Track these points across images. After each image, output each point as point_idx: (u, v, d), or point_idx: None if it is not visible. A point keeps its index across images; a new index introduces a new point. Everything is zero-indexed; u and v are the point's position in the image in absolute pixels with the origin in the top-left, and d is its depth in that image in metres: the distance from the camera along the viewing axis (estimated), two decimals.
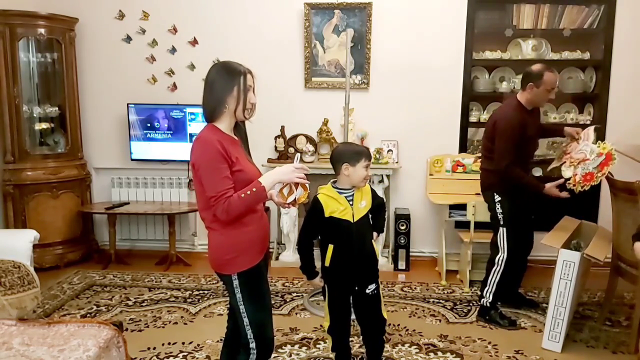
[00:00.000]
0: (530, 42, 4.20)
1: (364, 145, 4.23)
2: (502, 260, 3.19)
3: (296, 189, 1.96)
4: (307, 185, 1.98)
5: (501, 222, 3.19)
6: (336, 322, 2.42)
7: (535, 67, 3.09)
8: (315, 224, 2.33)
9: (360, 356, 2.73)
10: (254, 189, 1.84)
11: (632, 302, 3.22)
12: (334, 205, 2.28)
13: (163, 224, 4.52)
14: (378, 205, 2.45)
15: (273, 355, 2.73)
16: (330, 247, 2.31)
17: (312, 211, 2.33)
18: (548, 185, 3.09)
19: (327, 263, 2.34)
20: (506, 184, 3.14)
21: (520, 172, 3.11)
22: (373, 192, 2.43)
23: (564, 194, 3.07)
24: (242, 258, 1.92)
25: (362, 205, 2.33)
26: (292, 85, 4.38)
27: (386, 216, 2.56)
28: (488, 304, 3.23)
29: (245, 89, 1.90)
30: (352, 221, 2.29)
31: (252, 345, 1.96)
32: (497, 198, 3.20)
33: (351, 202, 2.30)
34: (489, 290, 3.22)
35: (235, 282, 1.93)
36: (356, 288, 2.36)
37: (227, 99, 1.89)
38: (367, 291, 2.38)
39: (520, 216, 3.21)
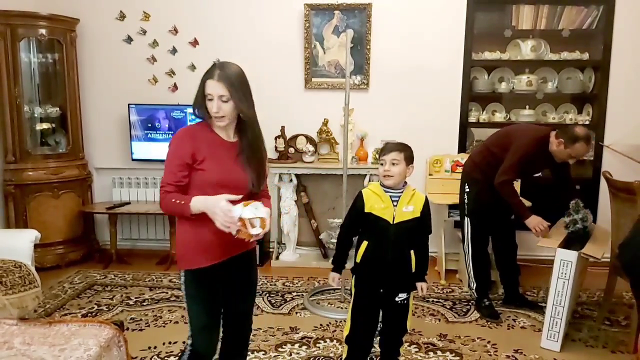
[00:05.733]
0: (530, 42, 4.21)
1: (362, 145, 4.28)
2: (468, 249, 3.39)
3: (253, 226, 1.76)
4: (266, 221, 1.80)
5: (465, 212, 3.38)
6: (357, 329, 2.32)
7: (578, 130, 3.05)
8: (355, 218, 2.29)
9: None
10: (182, 202, 1.81)
11: (631, 302, 3.23)
12: (375, 201, 2.24)
13: (164, 223, 4.54)
14: (423, 225, 2.30)
15: (274, 355, 2.76)
16: (364, 244, 2.26)
17: (353, 205, 2.31)
18: (534, 217, 3.11)
19: (358, 259, 2.29)
20: (481, 180, 3.28)
21: (514, 190, 3.18)
22: (426, 204, 2.30)
23: (544, 232, 3.08)
24: (189, 257, 1.91)
25: (408, 210, 2.24)
26: (292, 86, 4.39)
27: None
28: (475, 292, 3.42)
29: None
30: (391, 222, 2.22)
31: (189, 342, 1.97)
32: (466, 189, 3.38)
33: (395, 203, 2.23)
34: (471, 278, 3.44)
35: (182, 279, 1.94)
36: (381, 291, 2.27)
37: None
38: (397, 299, 2.29)
39: (487, 213, 3.31)
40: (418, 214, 2.26)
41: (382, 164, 2.25)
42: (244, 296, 2.07)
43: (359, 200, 2.28)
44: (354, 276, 2.34)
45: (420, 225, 2.30)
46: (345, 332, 2.36)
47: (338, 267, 2.35)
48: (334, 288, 3.69)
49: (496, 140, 3.32)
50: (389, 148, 2.26)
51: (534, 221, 3.10)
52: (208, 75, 1.85)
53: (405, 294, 2.31)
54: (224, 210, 1.74)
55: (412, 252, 2.29)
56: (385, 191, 2.26)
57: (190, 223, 1.88)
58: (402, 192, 2.26)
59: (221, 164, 1.89)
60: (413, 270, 2.30)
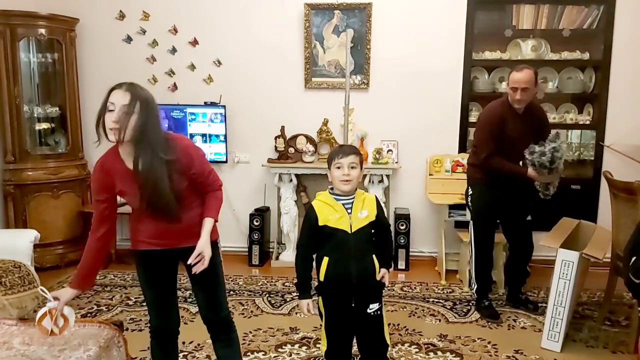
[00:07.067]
0: (530, 42, 4.20)
1: (362, 145, 4.28)
2: (472, 252, 3.40)
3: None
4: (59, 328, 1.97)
5: (470, 216, 3.43)
6: (334, 345, 2.18)
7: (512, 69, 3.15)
8: (312, 234, 2.11)
9: None
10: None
11: (632, 302, 3.23)
12: (329, 212, 2.07)
13: None
14: (381, 224, 2.16)
15: (274, 355, 2.76)
16: (325, 260, 2.08)
17: (307, 220, 2.12)
18: (530, 169, 3.05)
19: (321, 278, 2.11)
20: (482, 179, 3.26)
21: (500, 160, 3.10)
22: (378, 203, 2.16)
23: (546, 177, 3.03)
24: (133, 239, 2.08)
25: (363, 215, 2.08)
26: (292, 86, 4.39)
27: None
28: (476, 293, 3.41)
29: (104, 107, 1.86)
30: (349, 232, 2.05)
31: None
32: (470, 191, 3.39)
33: (349, 210, 2.07)
34: (472, 279, 3.44)
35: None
36: (353, 305, 2.10)
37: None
38: (369, 311, 2.12)
39: (489, 214, 3.30)
40: (373, 218, 2.11)
41: (338, 168, 2.07)
42: (200, 285, 2.13)
43: (311, 214, 2.10)
44: (320, 297, 2.17)
45: (378, 227, 2.15)
46: (323, 348, 2.23)
47: (305, 291, 2.15)
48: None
49: (474, 136, 3.43)
50: (346, 151, 2.10)
51: (534, 172, 3.04)
52: (116, 86, 1.86)
53: (377, 304, 2.15)
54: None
55: (374, 257, 2.13)
56: (337, 199, 2.10)
57: (134, 213, 2.06)
58: (354, 198, 2.10)
59: (134, 195, 1.91)
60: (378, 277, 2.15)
